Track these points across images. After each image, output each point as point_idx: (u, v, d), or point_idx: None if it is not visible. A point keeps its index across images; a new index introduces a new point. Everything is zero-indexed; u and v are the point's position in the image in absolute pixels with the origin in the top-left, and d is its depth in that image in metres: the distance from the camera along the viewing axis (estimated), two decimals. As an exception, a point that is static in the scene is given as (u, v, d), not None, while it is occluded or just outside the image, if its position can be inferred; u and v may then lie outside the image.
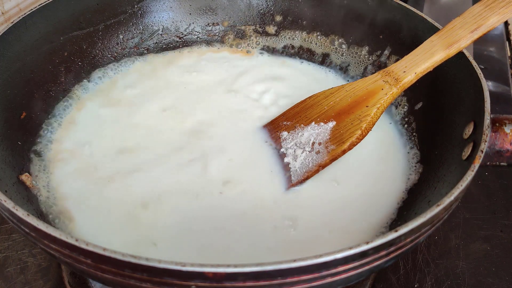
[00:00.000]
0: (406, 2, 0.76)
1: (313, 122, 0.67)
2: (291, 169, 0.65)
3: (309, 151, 0.65)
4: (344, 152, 0.63)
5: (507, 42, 1.15)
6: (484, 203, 0.80)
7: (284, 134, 0.69)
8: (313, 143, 0.65)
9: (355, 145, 0.64)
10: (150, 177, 0.65)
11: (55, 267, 0.67)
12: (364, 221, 0.62)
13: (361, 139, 0.64)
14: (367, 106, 0.64)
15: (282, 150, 0.68)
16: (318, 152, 0.65)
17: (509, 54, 1.12)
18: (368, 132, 0.64)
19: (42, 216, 0.59)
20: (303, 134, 0.67)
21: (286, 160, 0.66)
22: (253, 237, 0.59)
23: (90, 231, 0.59)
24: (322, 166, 0.64)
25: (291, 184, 0.64)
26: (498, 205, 0.80)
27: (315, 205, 0.63)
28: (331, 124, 0.65)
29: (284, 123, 0.70)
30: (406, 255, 0.71)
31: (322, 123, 0.66)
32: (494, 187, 0.82)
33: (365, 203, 0.64)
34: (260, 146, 0.70)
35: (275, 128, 0.71)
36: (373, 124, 0.64)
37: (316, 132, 0.66)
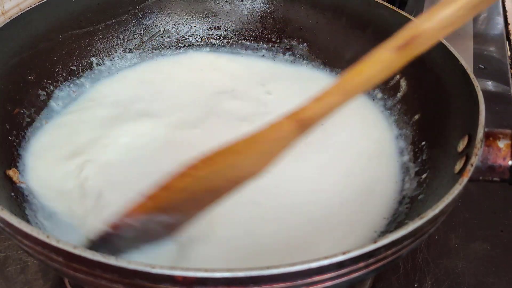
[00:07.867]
0: (406, 3, 0.75)
1: None
2: None
3: None
4: None
5: (507, 42, 1.13)
6: (484, 203, 0.78)
7: None
8: None
9: None
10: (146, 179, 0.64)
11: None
12: (355, 233, 0.60)
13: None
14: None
15: None
16: None
17: (509, 54, 1.11)
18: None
19: (26, 211, 0.58)
20: None
21: None
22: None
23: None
24: None
25: None
26: (498, 205, 0.78)
27: (306, 211, 0.62)
28: None
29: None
30: (406, 255, 0.70)
31: None
32: (494, 187, 0.80)
33: (356, 214, 0.62)
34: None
35: None
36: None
37: None
